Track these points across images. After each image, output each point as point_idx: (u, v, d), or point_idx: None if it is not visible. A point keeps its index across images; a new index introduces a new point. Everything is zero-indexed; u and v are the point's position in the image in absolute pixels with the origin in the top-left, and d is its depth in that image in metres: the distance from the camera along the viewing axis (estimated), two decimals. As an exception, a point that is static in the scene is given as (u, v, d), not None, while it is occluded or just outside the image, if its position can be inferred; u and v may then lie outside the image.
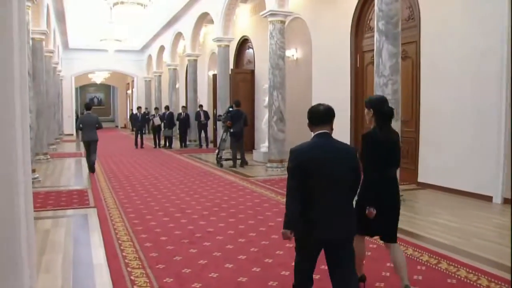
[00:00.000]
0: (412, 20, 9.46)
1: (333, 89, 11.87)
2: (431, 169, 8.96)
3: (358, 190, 3.45)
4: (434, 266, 4.61)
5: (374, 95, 3.96)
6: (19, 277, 1.70)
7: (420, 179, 9.19)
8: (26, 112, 1.81)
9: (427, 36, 9.01)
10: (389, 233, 3.85)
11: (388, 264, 4.65)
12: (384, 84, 7.61)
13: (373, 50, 8.27)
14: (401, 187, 7.92)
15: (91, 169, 11.74)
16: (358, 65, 11.25)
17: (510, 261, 4.53)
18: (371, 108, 3.82)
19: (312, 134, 3.31)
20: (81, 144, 15.00)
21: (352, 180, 3.20)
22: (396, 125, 7.63)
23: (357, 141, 11.30)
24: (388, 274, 4.42)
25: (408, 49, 9.38)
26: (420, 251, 5.08)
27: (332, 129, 3.28)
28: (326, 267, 3.29)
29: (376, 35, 7.75)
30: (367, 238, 4.21)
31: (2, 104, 1.62)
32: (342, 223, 3.15)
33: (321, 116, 3.26)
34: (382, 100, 3.89)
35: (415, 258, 4.86)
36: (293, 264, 3.44)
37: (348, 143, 11.23)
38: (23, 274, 1.72)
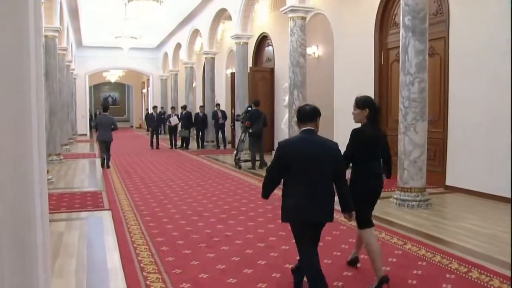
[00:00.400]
0: (440, 14, 9.34)
1: (356, 88, 11.74)
2: (461, 171, 8.83)
3: (348, 182, 4.06)
4: (464, 275, 4.53)
5: (362, 95, 4.44)
6: (34, 281, 1.72)
7: (448, 182, 9.07)
8: (42, 111, 1.82)
9: (457, 31, 8.89)
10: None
11: (414, 272, 4.60)
12: (410, 82, 7.54)
13: (398, 47, 8.20)
14: (428, 190, 7.89)
15: (106, 165, 13.08)
16: (382, 63, 11.17)
17: (510, 259, 4.69)
18: (367, 107, 4.28)
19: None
20: (95, 145, 16.41)
21: (332, 171, 3.77)
22: (422, 125, 7.57)
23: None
24: (414, 282, 4.36)
25: (435, 45, 9.27)
26: (449, 258, 5.00)
27: (317, 127, 3.88)
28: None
29: (402, 31, 7.69)
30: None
31: (19, 103, 1.63)
32: (323, 208, 3.77)
33: (307, 115, 3.87)
34: (373, 100, 4.46)
35: (444, 266, 4.78)
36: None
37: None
38: (39, 278, 1.73)
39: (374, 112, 4.29)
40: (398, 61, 8.28)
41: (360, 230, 4.36)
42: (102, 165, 13.01)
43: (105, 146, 12.98)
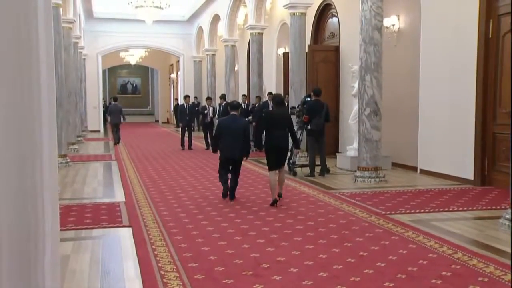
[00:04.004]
0: None
1: (451, 70, 11.54)
2: None
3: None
4: None
5: (274, 93, 10.67)
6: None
7: None
8: (53, 105, 1.86)
9: None
10: (280, 164, 9.45)
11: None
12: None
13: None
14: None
15: (117, 142, 21.74)
16: (490, 35, 10.78)
17: (510, 260, 5.26)
18: (272, 101, 11.25)
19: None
20: (111, 144, 22.03)
21: (242, 134, 9.56)
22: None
23: (486, 137, 10.86)
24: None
25: None
26: None
27: (239, 112, 10.20)
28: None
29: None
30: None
31: (26, 95, 1.67)
32: (235, 151, 9.64)
33: (234, 107, 10.13)
34: (275, 96, 10.89)
35: None
36: None
37: (473, 143, 10.91)
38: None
39: (274, 103, 10.22)
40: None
41: (269, 171, 9.37)
42: (115, 143, 21.61)
43: (116, 128, 21.90)
